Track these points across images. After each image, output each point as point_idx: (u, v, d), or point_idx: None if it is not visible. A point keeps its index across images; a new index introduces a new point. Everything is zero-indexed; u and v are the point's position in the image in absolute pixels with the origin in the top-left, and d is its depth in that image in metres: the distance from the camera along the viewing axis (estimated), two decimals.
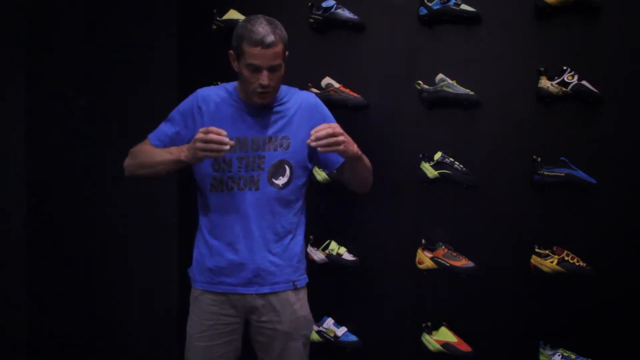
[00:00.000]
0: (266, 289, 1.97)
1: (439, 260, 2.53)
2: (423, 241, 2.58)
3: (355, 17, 2.67)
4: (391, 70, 2.68)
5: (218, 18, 2.87)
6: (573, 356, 2.36)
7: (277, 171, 1.95)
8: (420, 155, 2.59)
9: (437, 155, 2.55)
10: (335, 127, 1.82)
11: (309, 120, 1.99)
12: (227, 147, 1.79)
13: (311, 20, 2.72)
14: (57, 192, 3.05)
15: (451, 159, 2.54)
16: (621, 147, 2.39)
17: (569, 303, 2.44)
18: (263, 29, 1.84)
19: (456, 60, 2.58)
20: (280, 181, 1.95)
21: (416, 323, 2.60)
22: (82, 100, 3.02)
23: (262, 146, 1.95)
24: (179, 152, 1.89)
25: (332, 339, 2.66)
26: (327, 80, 2.70)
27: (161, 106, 2.93)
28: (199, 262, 2.02)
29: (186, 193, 2.69)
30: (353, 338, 2.66)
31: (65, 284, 3.04)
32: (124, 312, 3.07)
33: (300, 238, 2.05)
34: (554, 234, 2.45)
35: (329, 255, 2.67)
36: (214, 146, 1.79)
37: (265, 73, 1.86)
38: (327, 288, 2.72)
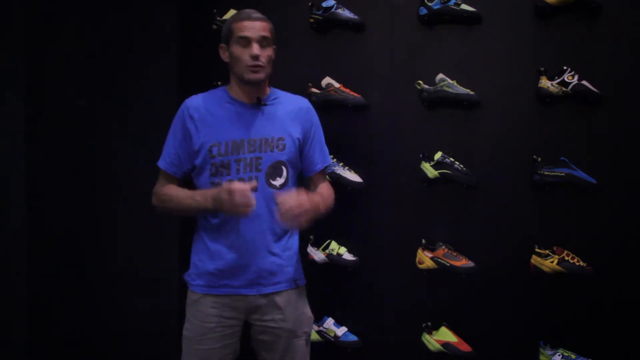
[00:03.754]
0: (269, 289, 1.99)
1: (439, 260, 2.53)
2: (423, 241, 2.58)
3: (355, 17, 2.67)
4: (391, 70, 2.67)
5: (218, 18, 2.88)
6: (573, 356, 2.36)
7: (275, 172, 1.97)
8: (420, 155, 2.59)
9: (437, 155, 2.55)
10: (301, 204, 1.80)
11: (302, 123, 2.04)
12: (254, 205, 1.82)
13: (311, 20, 2.72)
14: (57, 193, 3.05)
15: (451, 159, 2.54)
16: (621, 147, 2.39)
17: (569, 303, 2.44)
18: (249, 10, 1.97)
19: (456, 60, 2.58)
20: (278, 182, 1.98)
21: (416, 323, 2.60)
22: (82, 100, 3.02)
23: (258, 147, 1.95)
24: (205, 201, 1.90)
25: (332, 339, 2.66)
26: (327, 80, 2.70)
27: (161, 106, 2.95)
28: (197, 267, 2.01)
29: None
30: (353, 338, 2.66)
31: (66, 284, 3.04)
32: (124, 313, 3.07)
33: (296, 237, 2.08)
34: (554, 234, 2.45)
35: (329, 255, 2.67)
36: (241, 209, 1.82)
37: (255, 44, 1.93)
38: (327, 288, 2.73)
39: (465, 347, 2.51)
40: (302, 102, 2.09)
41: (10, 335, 3.01)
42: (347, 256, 2.67)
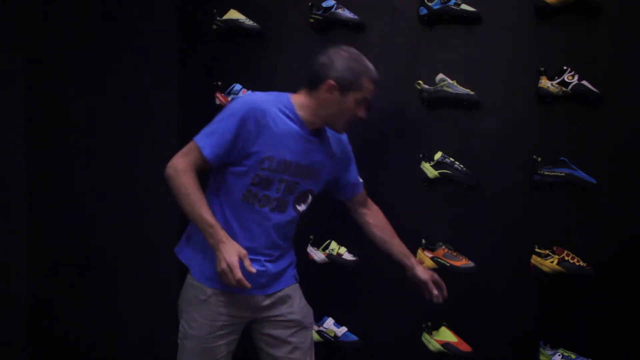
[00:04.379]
0: (274, 289, 2.04)
1: (439, 260, 2.53)
2: (423, 241, 2.58)
3: (355, 17, 2.67)
4: (391, 70, 2.67)
5: (218, 18, 2.87)
6: (573, 356, 2.36)
7: (302, 198, 2.01)
8: (420, 155, 2.59)
9: (437, 155, 2.55)
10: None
11: (341, 155, 2.11)
12: (248, 286, 1.83)
13: (311, 20, 2.72)
14: (57, 193, 3.05)
15: (451, 159, 2.54)
16: (621, 147, 2.38)
17: (569, 303, 2.44)
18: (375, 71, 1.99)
19: (456, 60, 2.58)
20: (301, 207, 2.03)
21: (416, 323, 2.60)
22: (82, 100, 3.02)
23: (301, 173, 1.98)
24: (208, 237, 1.87)
25: (332, 339, 2.66)
26: None
27: (161, 106, 2.96)
28: (210, 266, 1.98)
29: None
30: (353, 338, 2.66)
31: (66, 285, 3.04)
32: (124, 313, 3.07)
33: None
34: (554, 234, 2.44)
35: (329, 255, 2.67)
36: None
37: (364, 108, 1.99)
38: (327, 288, 2.72)
39: (465, 347, 2.51)
40: (343, 134, 2.13)
41: (10, 335, 3.01)
42: (347, 256, 2.67)
